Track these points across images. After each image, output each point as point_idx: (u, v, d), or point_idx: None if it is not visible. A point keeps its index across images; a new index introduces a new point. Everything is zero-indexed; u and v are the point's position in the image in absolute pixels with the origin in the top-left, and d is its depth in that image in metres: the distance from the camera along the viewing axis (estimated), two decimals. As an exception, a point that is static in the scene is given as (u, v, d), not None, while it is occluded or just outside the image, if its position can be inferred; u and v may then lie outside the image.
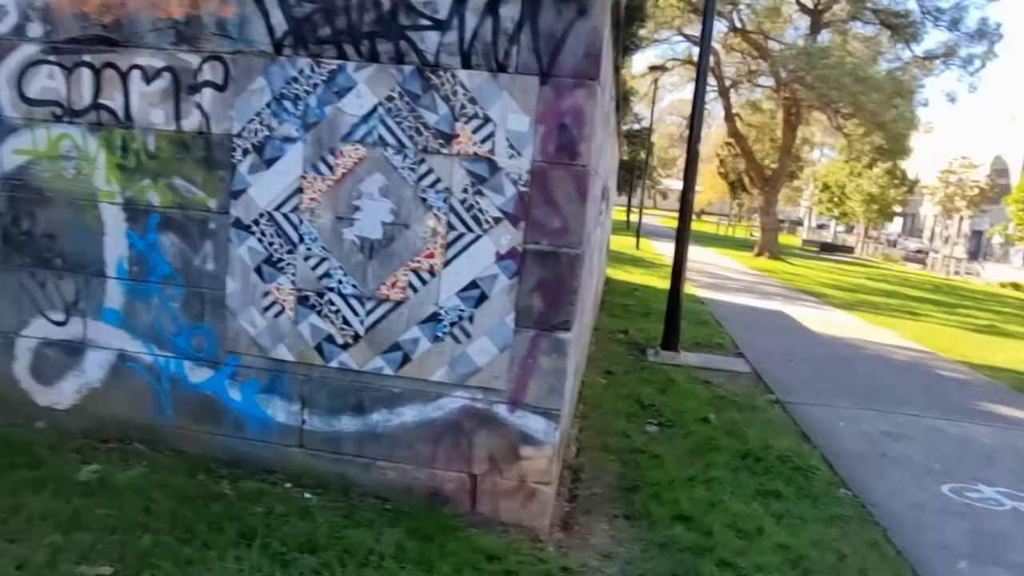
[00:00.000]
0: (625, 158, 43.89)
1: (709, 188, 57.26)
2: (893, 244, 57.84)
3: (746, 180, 37.79)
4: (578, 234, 3.41)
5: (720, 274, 20.84)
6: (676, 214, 9.47)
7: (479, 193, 3.43)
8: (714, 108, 32.09)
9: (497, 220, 3.43)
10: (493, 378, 3.52)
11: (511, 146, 3.37)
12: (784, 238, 60.81)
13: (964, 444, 6.13)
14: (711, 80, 26.74)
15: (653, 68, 30.00)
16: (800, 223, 75.71)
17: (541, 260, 3.43)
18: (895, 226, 68.60)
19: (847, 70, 22.14)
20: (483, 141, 3.39)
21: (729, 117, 30.03)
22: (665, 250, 24.54)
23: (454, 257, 3.49)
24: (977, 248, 55.00)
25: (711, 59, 26.17)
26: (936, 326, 14.65)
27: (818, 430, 5.97)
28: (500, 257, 3.45)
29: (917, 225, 65.15)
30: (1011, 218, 36.53)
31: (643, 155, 40.73)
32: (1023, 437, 6.57)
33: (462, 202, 3.45)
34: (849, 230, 58.70)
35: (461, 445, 3.59)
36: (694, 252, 26.81)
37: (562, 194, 3.38)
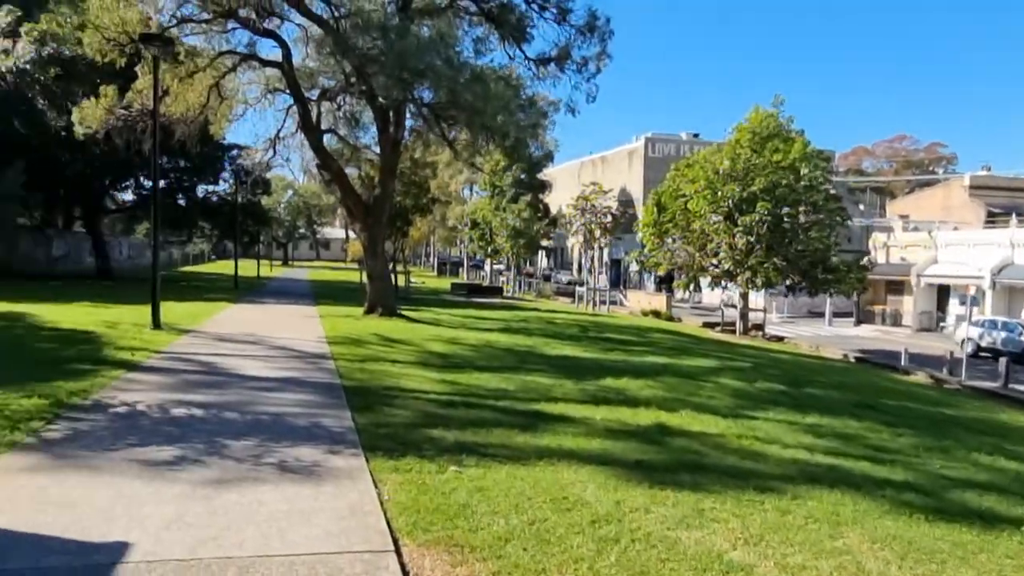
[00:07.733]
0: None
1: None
2: (548, 279, 58.78)
3: (345, 213, 32.30)
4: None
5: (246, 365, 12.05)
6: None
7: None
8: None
9: None
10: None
11: None
12: (437, 281, 58.09)
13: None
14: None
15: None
16: (460, 264, 74.59)
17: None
18: (546, 261, 71.37)
19: (437, 51, 17.74)
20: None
21: (309, 127, 22.16)
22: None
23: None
24: (618, 277, 58.82)
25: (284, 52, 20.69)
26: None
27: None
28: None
29: (567, 258, 68.59)
30: (644, 243, 38.37)
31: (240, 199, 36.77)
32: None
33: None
34: (508, 269, 58.37)
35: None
36: (287, 311, 22.10)
37: None
